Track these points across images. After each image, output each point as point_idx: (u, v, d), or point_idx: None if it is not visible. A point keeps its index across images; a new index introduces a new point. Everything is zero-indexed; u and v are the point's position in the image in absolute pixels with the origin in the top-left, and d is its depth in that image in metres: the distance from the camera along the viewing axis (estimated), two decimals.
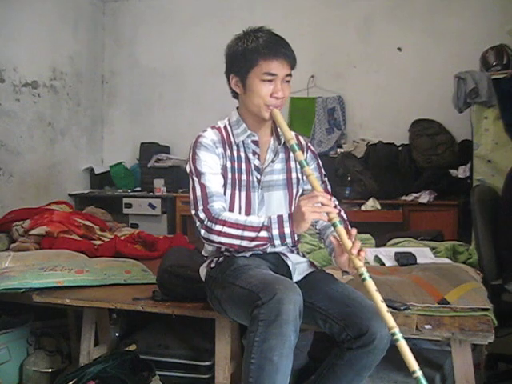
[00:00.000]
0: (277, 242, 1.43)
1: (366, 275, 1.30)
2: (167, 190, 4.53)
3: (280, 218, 1.43)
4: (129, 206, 4.46)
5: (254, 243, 1.44)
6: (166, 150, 4.87)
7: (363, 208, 3.84)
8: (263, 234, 1.42)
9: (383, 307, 1.26)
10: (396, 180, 3.96)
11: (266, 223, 1.43)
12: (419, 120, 4.09)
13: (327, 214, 1.37)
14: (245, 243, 1.45)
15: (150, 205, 4.41)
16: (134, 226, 4.26)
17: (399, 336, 1.22)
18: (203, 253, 1.69)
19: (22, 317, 2.41)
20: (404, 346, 1.21)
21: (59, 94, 4.63)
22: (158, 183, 4.58)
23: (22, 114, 4.21)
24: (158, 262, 2.12)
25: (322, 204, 1.36)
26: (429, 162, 3.94)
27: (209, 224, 1.48)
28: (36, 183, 4.36)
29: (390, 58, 4.31)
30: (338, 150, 4.27)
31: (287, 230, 1.41)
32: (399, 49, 4.31)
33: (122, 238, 2.95)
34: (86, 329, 2.08)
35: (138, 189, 4.81)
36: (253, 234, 1.43)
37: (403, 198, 3.87)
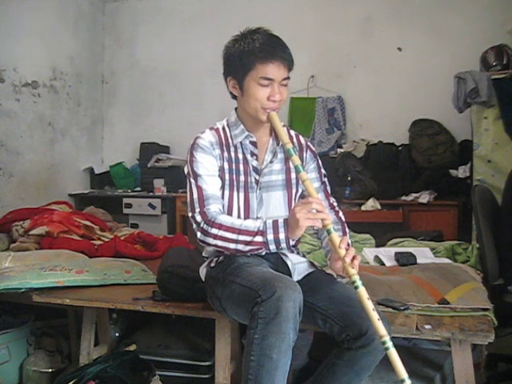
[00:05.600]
0: (272, 246, 1.44)
1: (359, 283, 1.30)
2: (167, 190, 4.53)
3: (275, 223, 1.44)
4: (129, 206, 4.46)
5: (248, 247, 1.46)
6: (165, 149, 4.87)
7: (363, 208, 3.84)
8: (258, 238, 1.44)
9: (374, 315, 1.26)
10: (396, 180, 3.97)
11: (261, 228, 1.44)
12: (419, 120, 4.10)
13: (322, 220, 1.37)
14: (240, 247, 1.46)
15: (150, 205, 4.41)
16: (134, 226, 4.26)
17: (389, 345, 1.23)
18: (204, 254, 1.69)
19: (22, 317, 2.40)
20: (394, 355, 1.22)
21: (59, 93, 4.63)
22: (158, 183, 4.58)
23: (22, 114, 4.21)
24: (157, 262, 2.12)
25: (317, 210, 1.37)
26: (429, 162, 3.95)
27: (205, 227, 1.49)
28: (36, 183, 4.36)
29: (390, 58, 4.31)
30: (338, 150, 4.27)
31: (282, 236, 1.42)
32: (399, 49, 4.31)
33: (122, 238, 2.95)
34: (86, 329, 2.07)
35: (138, 189, 4.81)
36: (248, 239, 1.45)
37: (403, 197, 3.88)
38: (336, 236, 1.38)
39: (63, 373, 2.20)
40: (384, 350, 1.36)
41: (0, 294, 1.97)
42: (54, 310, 2.35)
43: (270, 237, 1.43)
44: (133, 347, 2.07)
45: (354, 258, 1.35)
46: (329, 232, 1.38)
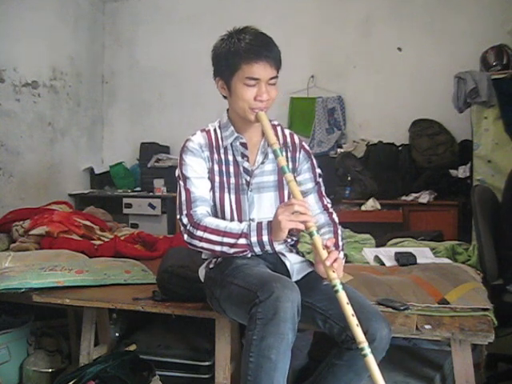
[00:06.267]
0: (256, 249, 1.44)
1: (339, 287, 1.30)
2: (167, 190, 4.53)
3: (259, 225, 1.44)
4: (129, 206, 4.46)
5: (233, 250, 1.46)
6: (165, 149, 4.87)
7: (363, 208, 3.84)
8: (242, 241, 1.44)
9: (353, 321, 1.26)
10: (396, 180, 3.97)
11: (245, 230, 1.44)
12: (419, 120, 4.10)
13: (305, 222, 1.36)
14: (225, 249, 1.46)
15: (150, 205, 4.42)
16: (134, 226, 4.26)
17: (367, 351, 1.23)
18: (203, 256, 1.68)
19: (22, 317, 2.40)
20: (372, 362, 1.22)
21: (59, 93, 4.63)
22: (158, 183, 4.58)
23: (22, 114, 4.21)
24: (157, 262, 2.12)
25: (300, 213, 1.36)
26: (429, 162, 3.95)
27: (191, 229, 1.49)
28: (36, 183, 4.36)
29: (390, 58, 4.31)
30: (338, 150, 4.27)
31: (265, 238, 1.42)
32: (399, 49, 4.31)
33: (122, 238, 2.95)
34: (86, 329, 2.07)
35: (138, 189, 4.81)
36: (232, 241, 1.45)
37: (403, 198, 3.87)
38: (318, 238, 1.37)
39: (63, 373, 2.20)
40: (383, 351, 1.36)
41: (0, 294, 1.97)
42: (54, 309, 2.35)
43: (254, 239, 1.43)
44: (133, 347, 2.07)
45: (335, 260, 1.34)
46: (311, 234, 1.37)
